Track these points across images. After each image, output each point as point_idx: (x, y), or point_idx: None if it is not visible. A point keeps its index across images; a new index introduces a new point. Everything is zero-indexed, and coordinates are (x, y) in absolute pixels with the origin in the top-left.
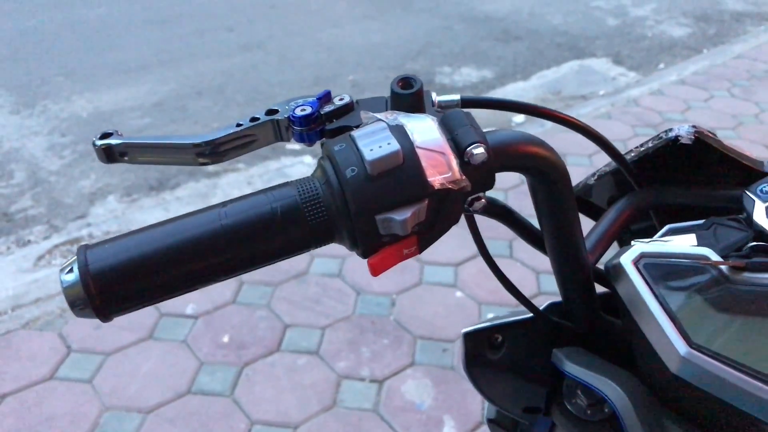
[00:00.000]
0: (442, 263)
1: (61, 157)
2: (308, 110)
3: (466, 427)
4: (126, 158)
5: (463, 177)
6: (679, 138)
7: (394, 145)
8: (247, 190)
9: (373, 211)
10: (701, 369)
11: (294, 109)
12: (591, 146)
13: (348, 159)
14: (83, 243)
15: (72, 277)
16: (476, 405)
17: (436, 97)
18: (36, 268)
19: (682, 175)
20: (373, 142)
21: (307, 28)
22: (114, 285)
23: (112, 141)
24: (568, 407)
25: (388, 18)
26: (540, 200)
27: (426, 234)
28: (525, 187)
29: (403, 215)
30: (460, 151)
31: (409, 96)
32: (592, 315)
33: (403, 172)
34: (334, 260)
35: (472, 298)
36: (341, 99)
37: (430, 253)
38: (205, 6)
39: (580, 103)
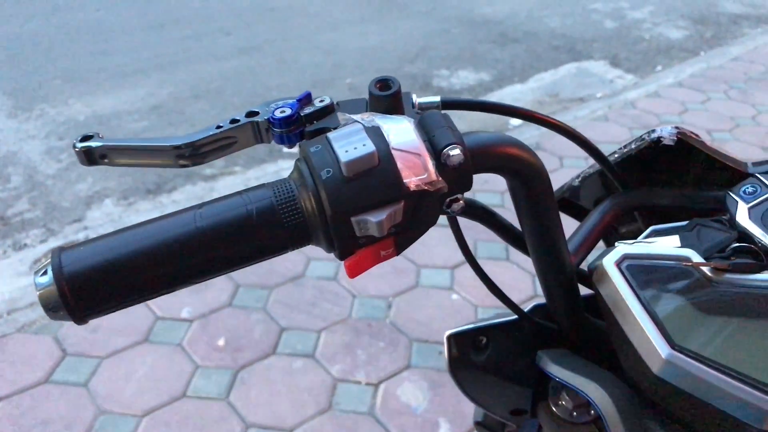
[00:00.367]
0: (439, 266)
1: (58, 160)
2: (288, 112)
3: (461, 430)
4: (106, 160)
5: (440, 178)
6: (662, 139)
7: (370, 147)
8: None
9: (348, 213)
10: (683, 370)
11: (274, 111)
12: None
13: (323, 160)
14: (58, 246)
15: (46, 279)
16: (471, 408)
17: (416, 99)
18: (32, 272)
19: (666, 176)
20: (349, 143)
21: (305, 32)
22: (89, 287)
23: (93, 143)
24: (554, 409)
25: (385, 21)
26: (520, 202)
27: (403, 235)
28: None
29: (378, 217)
30: (436, 152)
31: (387, 97)
32: (576, 316)
33: (378, 174)
34: (330, 263)
35: (468, 300)
36: (321, 101)
37: (426, 255)
38: (202, 9)
39: (578, 105)
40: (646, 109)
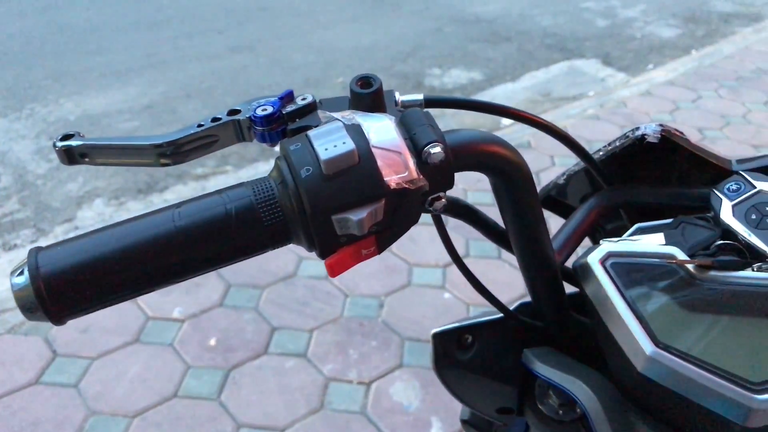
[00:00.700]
0: (431, 265)
1: (48, 160)
2: (269, 110)
3: (453, 428)
4: (87, 159)
5: (421, 177)
6: (646, 137)
7: (349, 145)
8: None
9: (328, 211)
10: (667, 368)
11: (255, 109)
12: None
13: (303, 158)
14: (35, 246)
15: (22, 279)
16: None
17: (399, 97)
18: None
19: (651, 174)
20: (329, 141)
21: (296, 30)
22: (66, 288)
23: (73, 142)
24: (541, 407)
25: (377, 20)
26: (502, 200)
27: (384, 234)
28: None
29: (359, 215)
30: (417, 150)
31: (368, 95)
32: (561, 314)
33: (358, 172)
34: (322, 262)
35: (460, 299)
36: (303, 99)
37: (418, 254)
38: (194, 8)
39: (570, 104)
40: (637, 108)
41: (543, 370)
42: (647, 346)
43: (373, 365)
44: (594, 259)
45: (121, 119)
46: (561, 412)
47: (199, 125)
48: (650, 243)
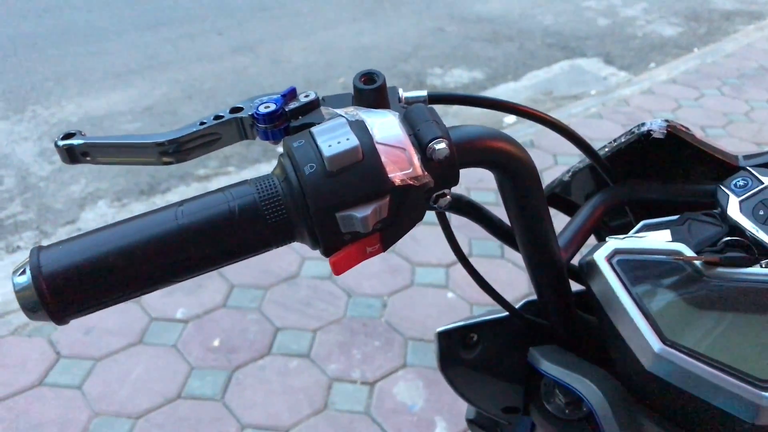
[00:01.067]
0: (434, 264)
1: (50, 162)
2: (272, 107)
3: (458, 428)
4: (88, 158)
5: (425, 173)
6: (652, 132)
7: (353, 141)
8: None
9: (332, 209)
10: (675, 365)
11: (258, 107)
12: None
13: (306, 155)
14: (37, 245)
15: (24, 279)
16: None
17: (402, 93)
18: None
19: (657, 170)
20: (332, 137)
21: (297, 31)
22: (68, 287)
23: (74, 141)
24: (547, 406)
25: (378, 20)
26: (508, 196)
27: (389, 231)
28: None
29: (363, 212)
30: (422, 146)
31: (372, 91)
32: (567, 312)
33: (362, 169)
34: (325, 262)
35: (463, 298)
36: (306, 96)
37: (421, 254)
38: (195, 10)
39: (572, 103)
40: (639, 106)
41: (549, 368)
42: (655, 343)
43: (376, 365)
44: (600, 257)
45: (123, 121)
46: (567, 410)
47: (202, 123)
48: (657, 240)
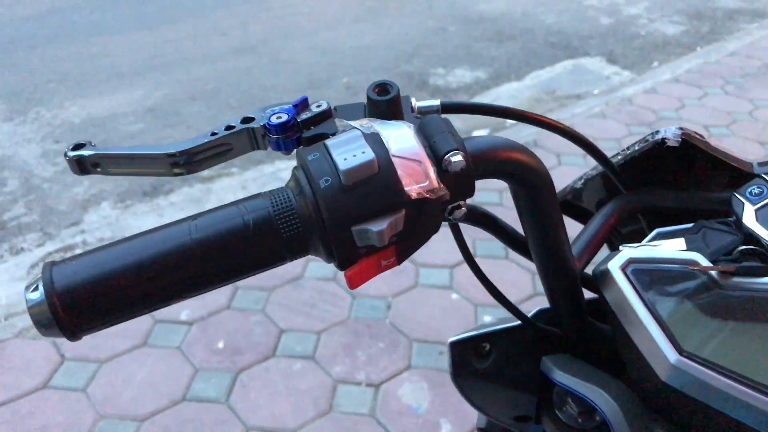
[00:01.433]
0: (438, 265)
1: (54, 164)
2: (284, 118)
3: (463, 431)
4: (99, 169)
5: (441, 186)
6: (666, 140)
7: (369, 154)
8: (242, 195)
9: (348, 223)
10: (691, 377)
11: (270, 117)
12: None
13: (321, 169)
14: (50, 260)
15: (37, 295)
16: (473, 409)
17: (415, 103)
18: (30, 277)
19: (670, 178)
20: (347, 150)
21: (300, 31)
22: (81, 303)
23: (85, 152)
24: (559, 415)
25: (381, 20)
26: (523, 206)
27: (404, 244)
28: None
29: (379, 226)
30: (437, 159)
31: (385, 102)
32: (580, 321)
33: (378, 182)
34: (328, 264)
35: (467, 300)
36: (318, 106)
37: (425, 255)
38: (197, 10)
39: (575, 102)
40: (643, 105)
41: (562, 378)
42: (671, 354)
43: (381, 367)
44: (615, 266)
45: (126, 122)
46: (580, 419)
47: (213, 133)
48: (671, 248)
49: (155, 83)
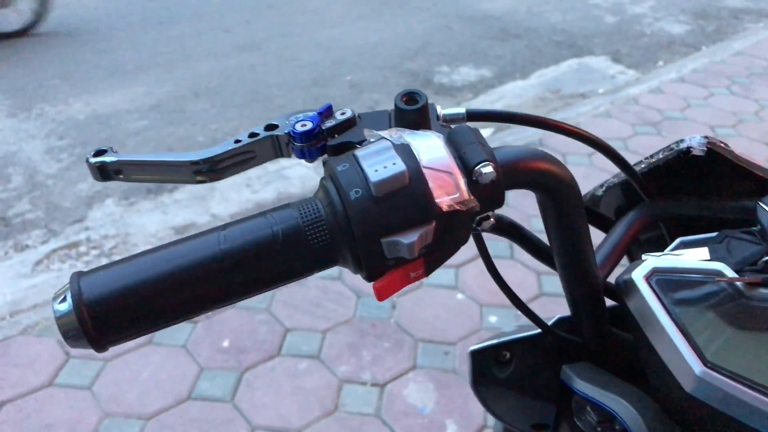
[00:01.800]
0: (443, 265)
1: (58, 160)
2: (309, 125)
3: (468, 431)
4: (121, 176)
5: (472, 197)
6: (691, 150)
7: (400, 166)
8: (246, 192)
9: (378, 234)
10: (716, 389)
11: (294, 125)
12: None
13: (352, 180)
14: (77, 270)
15: (65, 306)
16: (478, 409)
17: (440, 111)
18: (34, 274)
19: (693, 186)
20: (378, 162)
21: (304, 29)
22: (109, 314)
23: (107, 158)
24: (578, 424)
25: (385, 17)
26: (549, 216)
27: (433, 256)
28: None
29: (410, 238)
30: (468, 170)
31: (413, 112)
32: (601, 329)
33: (409, 194)
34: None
35: (473, 299)
36: (343, 113)
37: None
38: (201, 7)
39: (580, 101)
40: (648, 105)
41: (583, 387)
42: (696, 366)
43: (386, 367)
44: (639, 275)
45: (130, 119)
46: (599, 428)
47: (236, 141)
48: (695, 258)
49: (159, 80)
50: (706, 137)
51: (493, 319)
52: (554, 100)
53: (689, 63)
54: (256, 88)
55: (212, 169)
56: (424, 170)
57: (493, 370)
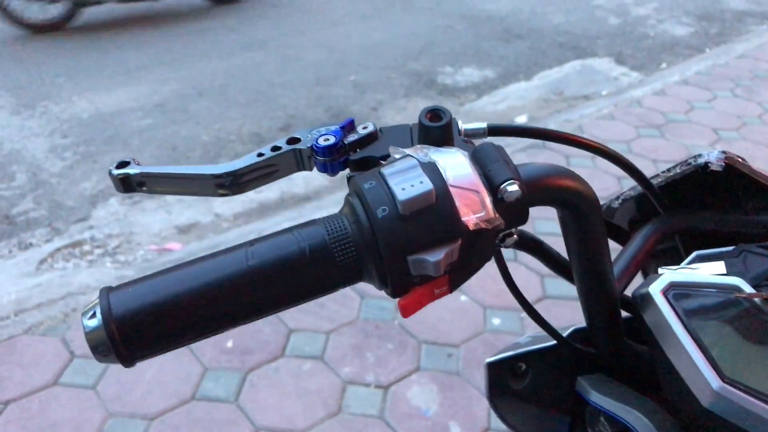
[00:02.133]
0: None
1: (62, 158)
2: (332, 140)
3: None
4: (144, 188)
5: (497, 215)
6: (709, 164)
7: (427, 184)
8: (249, 193)
9: (405, 252)
10: (734, 404)
11: (317, 139)
12: None
13: (378, 198)
14: (106, 285)
15: (95, 322)
16: (482, 411)
17: (462, 125)
18: (38, 272)
19: (710, 200)
20: (405, 180)
21: (307, 28)
22: (138, 330)
23: (130, 170)
24: None
25: (389, 17)
26: (571, 232)
27: (457, 273)
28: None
29: (436, 256)
30: (493, 188)
31: (437, 128)
32: (616, 342)
33: (436, 212)
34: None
35: (476, 302)
36: (365, 128)
37: None
38: (204, 5)
39: (583, 103)
40: (652, 107)
41: (598, 399)
42: (713, 380)
43: (390, 368)
44: (656, 289)
45: (134, 117)
46: None
47: (259, 154)
48: (711, 272)
49: (163, 78)
50: (723, 152)
51: (496, 321)
52: (557, 101)
53: (693, 65)
54: (259, 87)
55: (235, 183)
56: (451, 189)
57: (509, 382)
